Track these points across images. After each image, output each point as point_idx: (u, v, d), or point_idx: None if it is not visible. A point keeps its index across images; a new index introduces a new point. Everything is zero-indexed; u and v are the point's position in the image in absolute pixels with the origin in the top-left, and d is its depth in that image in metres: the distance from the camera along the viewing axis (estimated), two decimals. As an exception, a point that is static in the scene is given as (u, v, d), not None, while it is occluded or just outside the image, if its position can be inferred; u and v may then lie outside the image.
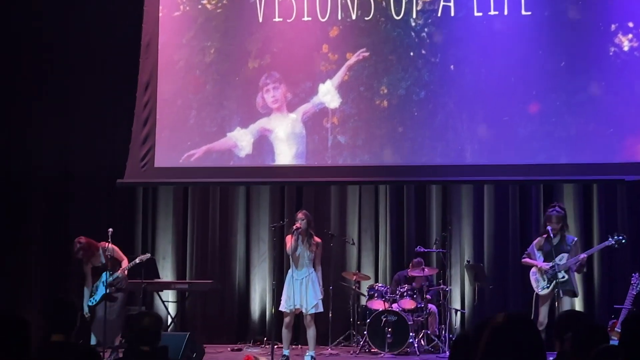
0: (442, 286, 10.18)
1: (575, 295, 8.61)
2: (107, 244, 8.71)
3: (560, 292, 8.33)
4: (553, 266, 8.33)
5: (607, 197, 10.71)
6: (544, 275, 8.38)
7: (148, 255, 9.24)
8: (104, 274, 8.79)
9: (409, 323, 9.50)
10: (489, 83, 9.68)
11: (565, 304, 8.39)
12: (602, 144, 9.39)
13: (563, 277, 8.34)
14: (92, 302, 8.80)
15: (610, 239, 8.50)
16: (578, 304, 10.26)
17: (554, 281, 8.34)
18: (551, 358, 4.31)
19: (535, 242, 8.66)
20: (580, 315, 5.05)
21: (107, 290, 8.76)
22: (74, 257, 9.00)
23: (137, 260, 8.92)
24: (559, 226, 8.42)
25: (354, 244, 11.12)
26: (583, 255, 8.47)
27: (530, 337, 2.57)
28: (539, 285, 8.43)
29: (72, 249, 8.91)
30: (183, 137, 10.23)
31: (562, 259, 8.37)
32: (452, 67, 9.82)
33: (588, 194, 10.79)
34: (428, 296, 10.08)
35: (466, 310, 10.84)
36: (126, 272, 8.88)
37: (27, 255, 10.90)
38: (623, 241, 8.49)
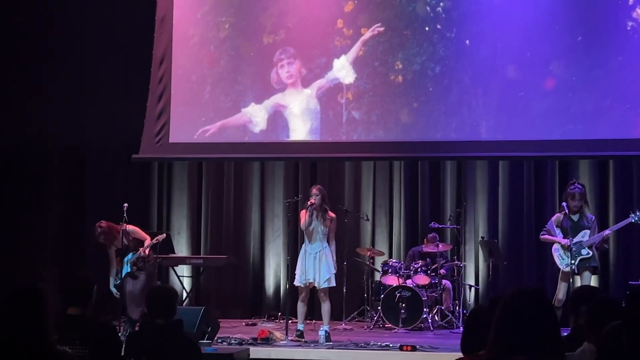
0: (456, 262, 10.18)
1: (596, 271, 8.58)
2: (126, 225, 8.76)
3: (577, 268, 8.29)
4: (577, 243, 8.29)
5: (622, 173, 10.66)
6: (567, 252, 8.32)
7: (164, 235, 9.28)
8: (129, 254, 8.86)
9: (423, 299, 9.51)
10: (505, 58, 9.61)
11: (585, 279, 8.35)
12: (618, 119, 9.31)
13: (587, 253, 8.30)
14: (117, 282, 8.89)
15: (632, 215, 8.46)
16: (593, 280, 10.25)
17: (578, 258, 8.30)
18: (565, 334, 4.31)
19: (554, 218, 8.59)
20: (595, 290, 5.04)
21: (131, 269, 8.84)
22: (95, 242, 9.05)
23: (154, 241, 8.96)
24: (580, 203, 8.35)
25: (368, 219, 11.12)
26: (607, 232, 8.45)
27: (542, 310, 2.57)
28: (563, 262, 8.36)
29: (93, 234, 8.97)
30: (198, 112, 10.23)
31: (585, 235, 8.32)
32: (467, 42, 9.75)
33: (604, 170, 10.74)
34: (442, 272, 10.09)
35: (480, 286, 10.85)
36: (147, 251, 8.91)
37: (44, 230, 10.98)
38: None
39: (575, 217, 8.38)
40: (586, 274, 8.34)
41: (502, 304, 2.61)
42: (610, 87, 9.39)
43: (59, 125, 11.08)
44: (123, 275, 8.85)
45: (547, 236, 8.56)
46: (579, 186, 8.51)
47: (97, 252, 9.32)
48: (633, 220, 8.48)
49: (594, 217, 8.62)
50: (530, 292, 2.59)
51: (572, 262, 8.27)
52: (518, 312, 2.55)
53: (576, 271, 8.31)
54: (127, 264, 8.83)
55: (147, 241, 8.96)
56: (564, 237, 8.38)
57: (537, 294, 2.59)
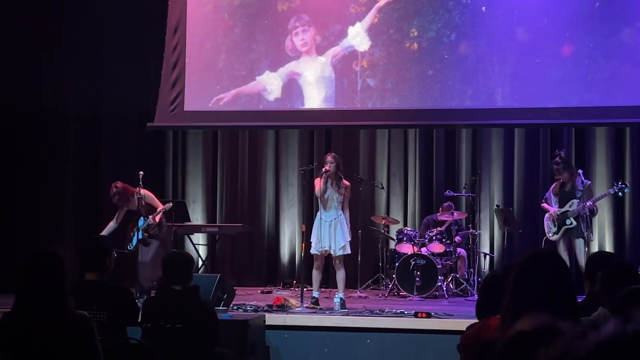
0: (471, 230, 10.17)
1: (587, 239, 8.64)
2: (140, 189, 8.78)
3: (570, 237, 8.47)
4: (563, 212, 8.45)
5: (639, 141, 10.60)
6: (555, 221, 8.51)
7: (170, 204, 9.28)
8: (140, 219, 8.89)
9: (438, 267, 9.53)
10: (521, 25, 9.52)
11: (578, 247, 8.46)
12: (636, 86, 9.23)
13: (570, 223, 8.48)
14: (130, 247, 8.94)
15: (614, 185, 8.68)
16: (608, 247, 10.24)
17: (563, 227, 8.44)
18: (580, 300, 4.31)
19: (552, 187, 8.77)
20: (611, 255, 5.04)
21: (142, 236, 8.88)
22: (109, 201, 9.09)
23: (161, 209, 8.99)
24: (562, 175, 8.52)
25: (382, 188, 11.11)
26: (589, 203, 8.51)
27: (558, 271, 2.57)
28: (550, 231, 8.60)
29: (109, 193, 9.00)
30: (212, 80, 10.21)
31: (572, 205, 8.46)
32: (483, 8, 9.66)
33: (621, 138, 10.68)
34: (457, 240, 10.09)
35: (495, 255, 10.85)
36: (157, 218, 8.92)
37: (61, 197, 11.05)
38: (625, 189, 8.68)
39: (567, 186, 8.52)
40: (578, 241, 8.44)
41: (518, 266, 2.62)
42: (628, 53, 9.30)
43: (74, 94, 11.09)
44: (135, 242, 8.89)
45: (544, 204, 8.82)
46: (557, 159, 8.63)
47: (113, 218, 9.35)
48: (613, 192, 8.65)
49: (588, 182, 8.74)
50: (546, 253, 2.60)
51: (557, 231, 8.47)
52: (534, 273, 2.55)
53: (571, 240, 8.46)
54: (139, 231, 8.86)
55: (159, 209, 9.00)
56: (559, 206, 8.57)
57: (553, 256, 2.60)
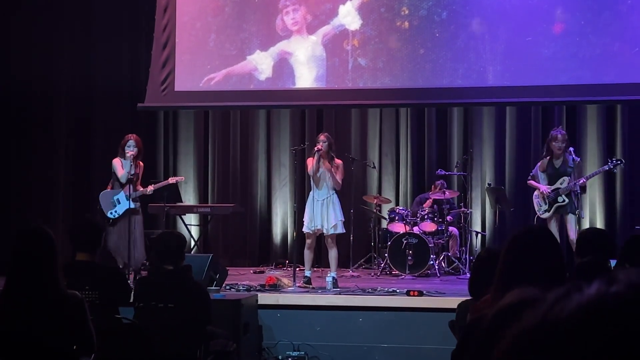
0: (463, 209, 10.19)
1: (579, 217, 8.65)
2: (139, 162, 8.83)
3: (562, 215, 8.44)
4: (555, 189, 8.39)
5: (630, 118, 10.62)
6: (546, 199, 8.46)
7: (182, 178, 9.35)
8: (129, 187, 8.79)
9: (430, 245, 9.55)
10: (512, 2, 9.50)
11: (570, 223, 8.43)
12: (627, 63, 9.23)
13: (563, 200, 8.40)
14: (114, 215, 8.78)
15: (609, 162, 8.60)
16: (600, 224, 10.28)
17: (555, 205, 8.40)
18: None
19: (539, 164, 8.69)
20: (602, 231, 5.06)
21: (134, 205, 8.78)
22: (122, 143, 8.93)
23: (170, 181, 9.15)
24: (564, 145, 8.42)
25: (374, 167, 11.12)
26: (582, 180, 8.48)
27: (548, 245, 2.58)
28: (541, 209, 8.53)
29: (128, 138, 8.88)
30: (203, 60, 10.16)
31: (563, 182, 8.40)
32: (474, -14, 9.63)
33: (611, 115, 10.69)
34: (449, 219, 10.11)
35: (487, 233, 10.89)
36: (151, 188, 8.96)
37: (52, 178, 11.03)
38: (620, 164, 8.61)
39: (557, 163, 8.46)
40: (570, 216, 8.42)
41: (509, 242, 2.63)
42: (619, 31, 9.30)
43: (65, 75, 11.04)
44: (121, 211, 8.75)
45: (532, 182, 8.73)
46: (565, 135, 8.60)
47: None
48: (608, 168, 8.61)
49: (578, 159, 8.70)
50: (537, 229, 2.61)
51: (548, 209, 8.42)
52: (525, 249, 2.56)
53: (564, 216, 8.42)
54: (126, 198, 8.73)
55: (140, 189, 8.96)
56: (548, 183, 8.50)
57: (544, 232, 2.61)
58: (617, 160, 8.64)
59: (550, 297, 0.57)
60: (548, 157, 8.50)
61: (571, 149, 8.52)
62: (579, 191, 8.41)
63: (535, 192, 8.64)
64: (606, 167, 8.72)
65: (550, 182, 8.51)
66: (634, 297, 0.52)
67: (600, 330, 0.52)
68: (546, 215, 8.49)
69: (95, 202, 9.15)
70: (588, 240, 4.36)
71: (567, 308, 0.54)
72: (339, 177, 8.39)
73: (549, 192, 8.43)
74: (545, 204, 8.47)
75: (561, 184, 8.40)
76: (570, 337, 0.52)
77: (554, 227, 8.43)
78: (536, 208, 8.60)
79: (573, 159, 8.53)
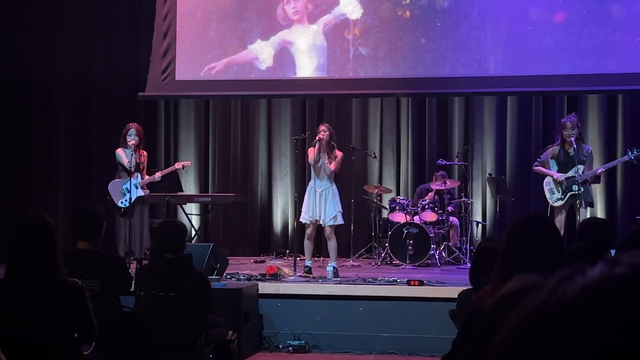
0: (463, 199, 10.19)
1: (591, 205, 8.55)
2: (142, 151, 8.88)
3: (583, 202, 8.25)
4: (570, 178, 8.23)
5: (632, 108, 10.60)
6: (559, 187, 8.28)
7: (188, 162, 9.67)
8: (137, 177, 8.83)
9: (430, 235, 9.55)
10: (514, -8, 9.47)
11: (583, 215, 8.34)
12: (628, 53, 9.21)
13: (578, 189, 8.17)
14: (124, 204, 8.84)
15: (629, 154, 8.40)
16: (600, 214, 10.27)
17: (569, 193, 8.25)
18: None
19: (549, 150, 8.51)
20: (603, 221, 5.05)
21: (142, 192, 8.81)
22: (124, 131, 8.95)
23: (177, 166, 9.32)
24: (574, 133, 8.25)
25: (375, 157, 11.11)
26: (600, 169, 8.36)
27: (549, 233, 2.58)
28: (553, 197, 8.34)
29: (129, 127, 8.88)
30: (203, 49, 10.15)
31: (578, 170, 8.21)
32: (476, -25, 9.60)
33: (613, 105, 10.67)
34: (449, 209, 10.10)
35: (487, 223, 10.88)
36: (160, 174, 9.04)
37: (53, 167, 11.03)
38: None
39: (570, 151, 8.27)
40: (582, 210, 8.25)
41: (508, 230, 2.63)
42: (621, 20, 9.27)
43: (66, 63, 11.03)
44: (130, 200, 8.78)
45: (540, 168, 8.50)
46: (573, 117, 8.47)
47: (104, 191, 9.33)
48: (628, 159, 8.42)
49: (590, 149, 8.55)
50: (537, 218, 2.60)
51: (562, 196, 8.24)
52: (524, 237, 2.56)
53: (583, 205, 8.26)
54: (135, 187, 8.78)
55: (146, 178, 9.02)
56: (558, 170, 8.32)
57: (544, 219, 2.61)
58: (637, 151, 8.35)
59: (552, 279, 0.57)
60: (558, 144, 8.36)
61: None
62: (590, 181, 8.28)
63: (546, 180, 8.41)
64: (626, 158, 8.43)
65: (561, 170, 8.30)
66: (638, 279, 0.51)
67: (603, 311, 0.51)
68: (559, 203, 8.28)
69: (95, 191, 9.17)
70: (586, 229, 4.36)
71: (570, 290, 0.54)
72: (332, 165, 8.38)
73: (562, 180, 8.25)
74: (559, 191, 8.27)
75: (576, 172, 8.21)
76: (574, 319, 0.52)
77: (563, 216, 8.30)
78: (547, 196, 8.38)
79: (587, 148, 8.41)
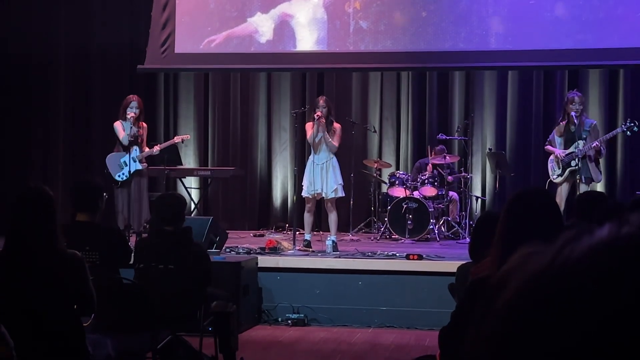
0: (463, 173, 10.18)
1: (592, 181, 8.57)
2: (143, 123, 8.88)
3: (583, 177, 8.31)
4: (569, 154, 8.31)
5: (633, 83, 10.57)
6: (560, 163, 8.38)
7: (188, 136, 9.70)
8: (135, 149, 8.81)
9: (430, 210, 9.55)
10: (516, -35, 9.40)
11: (582, 187, 8.38)
12: (630, 28, 9.15)
13: (576, 164, 8.27)
14: (123, 177, 8.82)
15: (622, 125, 8.48)
16: (600, 188, 10.26)
17: (568, 169, 8.33)
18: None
19: (555, 128, 8.59)
20: (602, 195, 5.05)
21: (140, 166, 8.80)
22: (125, 104, 8.94)
23: (176, 140, 9.34)
24: (581, 108, 8.31)
25: (375, 131, 11.08)
26: (595, 143, 8.39)
27: (545, 206, 2.57)
28: (554, 173, 8.44)
29: (130, 98, 8.88)
30: (203, 22, 10.08)
31: (578, 145, 8.29)
32: (478, -52, 9.52)
33: (614, 80, 10.64)
34: (450, 179, 10.09)
35: (487, 198, 10.89)
36: (158, 147, 9.04)
37: (52, 140, 11.01)
38: (634, 128, 8.46)
39: (572, 127, 8.34)
40: (582, 186, 8.33)
41: (506, 204, 2.62)
42: (623, -6, 9.20)
43: (65, 36, 10.97)
44: (127, 174, 8.77)
45: (548, 147, 8.63)
46: (578, 92, 8.52)
47: (103, 164, 9.32)
48: (621, 131, 8.51)
49: (594, 122, 8.60)
50: (534, 191, 2.60)
51: (561, 173, 8.34)
52: (524, 208, 2.56)
53: (582, 180, 8.32)
54: (133, 160, 8.76)
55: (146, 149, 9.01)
56: (564, 147, 8.41)
57: (541, 191, 2.60)
58: (630, 122, 8.46)
59: (558, 241, 0.56)
60: (565, 122, 8.39)
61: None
62: (592, 154, 8.32)
63: (551, 157, 8.53)
64: (619, 130, 8.59)
65: (566, 147, 8.40)
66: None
67: (611, 271, 0.50)
68: (559, 179, 8.39)
69: (95, 164, 9.15)
70: (583, 203, 4.36)
71: (577, 250, 0.53)
72: (335, 142, 8.37)
73: (563, 156, 8.33)
74: (559, 168, 8.37)
75: (575, 147, 8.29)
76: (581, 279, 0.51)
77: (564, 192, 8.36)
78: (550, 173, 8.50)
79: (590, 122, 8.46)
